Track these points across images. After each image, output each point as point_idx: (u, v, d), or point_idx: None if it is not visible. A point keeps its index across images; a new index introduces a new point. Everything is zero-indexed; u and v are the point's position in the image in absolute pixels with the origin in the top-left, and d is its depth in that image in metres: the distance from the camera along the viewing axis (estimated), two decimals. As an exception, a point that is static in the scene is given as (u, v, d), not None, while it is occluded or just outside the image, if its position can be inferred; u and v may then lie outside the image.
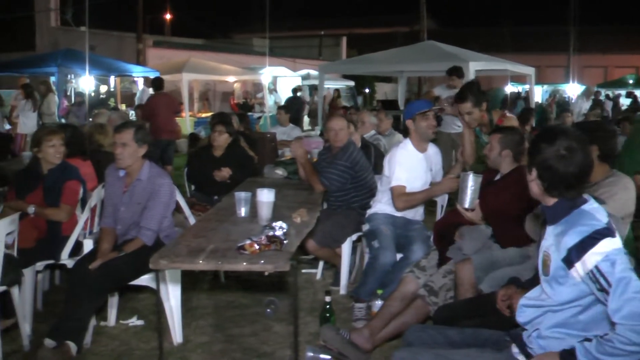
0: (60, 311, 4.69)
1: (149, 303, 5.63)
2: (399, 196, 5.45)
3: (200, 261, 3.48)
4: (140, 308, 5.52)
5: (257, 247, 3.50)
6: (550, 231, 2.86)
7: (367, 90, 31.03)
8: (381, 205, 5.68)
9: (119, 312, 5.26)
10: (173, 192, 5.07)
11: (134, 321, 5.23)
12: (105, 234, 4.98)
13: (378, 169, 6.24)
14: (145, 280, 4.77)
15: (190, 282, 5.64)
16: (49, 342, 4.31)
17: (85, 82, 16.81)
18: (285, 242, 3.64)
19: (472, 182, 4.50)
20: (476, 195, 4.48)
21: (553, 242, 2.81)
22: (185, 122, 19.61)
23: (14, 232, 4.63)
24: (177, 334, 4.80)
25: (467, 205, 4.52)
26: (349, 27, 43.20)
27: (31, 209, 5.22)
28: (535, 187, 2.89)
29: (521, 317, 2.99)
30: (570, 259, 2.67)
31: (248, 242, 3.52)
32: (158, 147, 11.45)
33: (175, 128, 12.75)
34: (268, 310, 5.38)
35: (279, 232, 3.65)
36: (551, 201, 2.85)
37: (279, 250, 3.57)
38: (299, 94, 21.34)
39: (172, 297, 4.75)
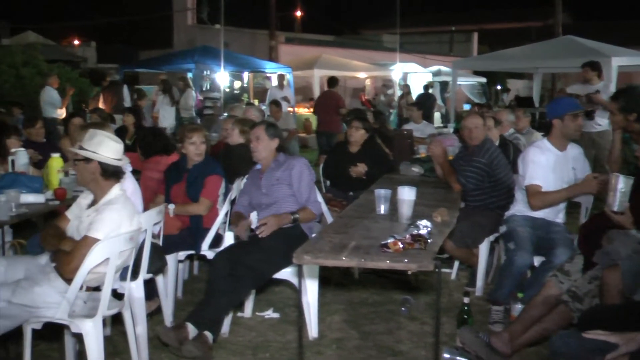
0: (200, 300, 4.83)
1: (284, 296, 5.73)
2: (534, 195, 5.28)
3: (344, 257, 3.47)
4: (276, 301, 5.62)
5: (401, 245, 3.46)
6: None
7: (499, 87, 30.25)
8: (520, 206, 5.53)
9: (255, 303, 5.37)
10: (308, 165, 5.23)
11: (270, 313, 5.34)
12: (234, 215, 5.28)
13: (517, 168, 6.06)
14: (285, 274, 4.84)
15: (325, 278, 5.68)
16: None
17: (221, 78, 17.32)
18: (429, 241, 3.59)
19: (622, 184, 4.31)
20: (626, 198, 4.30)
21: None
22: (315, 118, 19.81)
23: (160, 222, 4.81)
24: (313, 329, 4.86)
25: (616, 209, 4.34)
26: (480, 22, 42.39)
27: (171, 208, 5.41)
28: None
29: None
30: None
31: (391, 240, 3.48)
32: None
33: (329, 122, 13.67)
34: (403, 308, 5.36)
35: (423, 231, 3.59)
36: None
37: (423, 249, 3.52)
38: (430, 90, 21.11)
39: (309, 291, 4.81)
